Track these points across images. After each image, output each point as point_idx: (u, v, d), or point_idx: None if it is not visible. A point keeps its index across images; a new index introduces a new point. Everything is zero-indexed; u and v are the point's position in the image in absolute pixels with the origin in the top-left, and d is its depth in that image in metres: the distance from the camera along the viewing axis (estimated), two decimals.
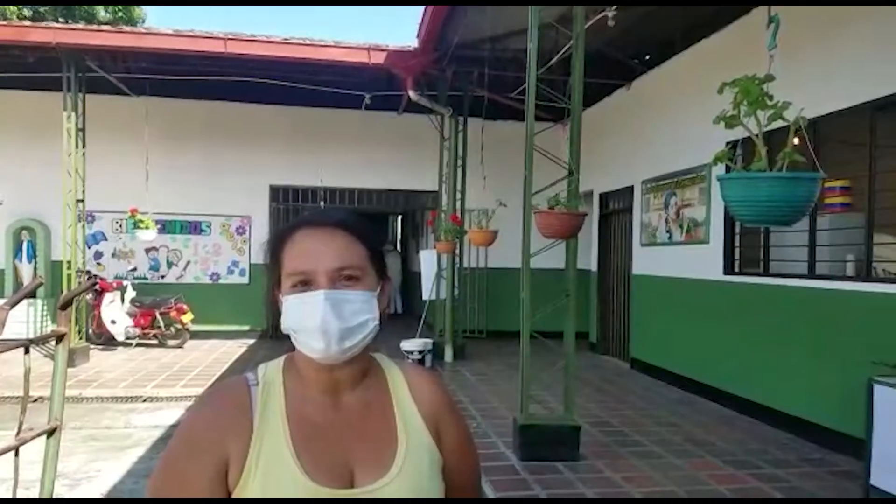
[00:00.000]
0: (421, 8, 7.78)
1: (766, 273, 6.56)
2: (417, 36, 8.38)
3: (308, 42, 9.03)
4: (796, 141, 2.51)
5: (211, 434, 1.13)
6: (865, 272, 5.36)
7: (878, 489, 4.23)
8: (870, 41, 5.29)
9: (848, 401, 5.11)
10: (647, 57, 8.88)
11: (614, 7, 6.31)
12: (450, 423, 1.28)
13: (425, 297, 10.31)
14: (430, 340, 9.20)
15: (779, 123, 2.50)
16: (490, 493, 4.54)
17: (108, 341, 10.29)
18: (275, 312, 1.23)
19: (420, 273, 10.90)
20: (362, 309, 1.15)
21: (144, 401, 7.53)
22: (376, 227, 1.30)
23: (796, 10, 5.71)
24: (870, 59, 5.27)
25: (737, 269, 7.07)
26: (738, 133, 2.65)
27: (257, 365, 1.26)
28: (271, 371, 1.23)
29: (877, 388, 4.27)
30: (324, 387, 1.20)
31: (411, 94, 9.12)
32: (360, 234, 1.20)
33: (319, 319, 1.11)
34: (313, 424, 1.17)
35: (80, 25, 10.48)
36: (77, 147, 9.07)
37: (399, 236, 19.55)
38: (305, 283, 1.14)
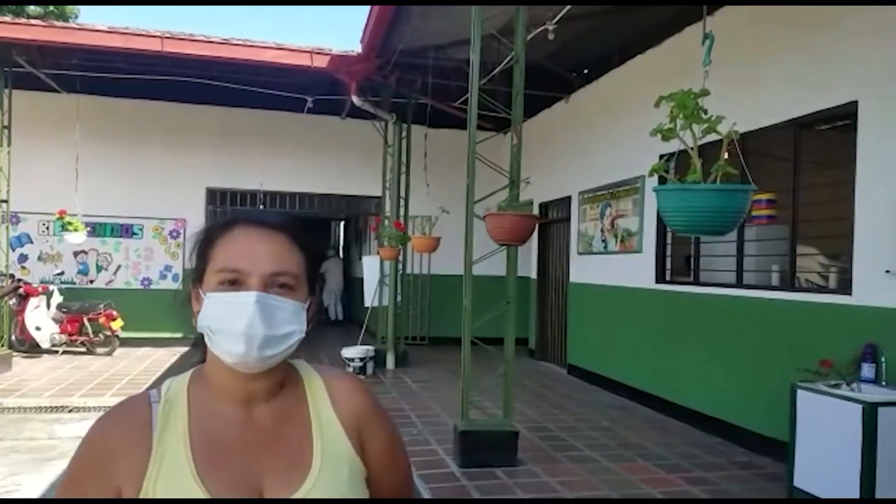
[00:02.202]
0: (365, 14, 7.76)
1: (696, 282, 6.79)
2: (361, 41, 8.36)
3: (248, 43, 8.90)
4: (726, 155, 2.62)
5: (104, 455, 1.08)
6: (789, 282, 5.61)
7: (801, 490, 4.42)
8: (796, 61, 5.55)
9: (773, 405, 5.33)
10: (586, 71, 9.10)
11: (555, 21, 6.45)
12: (374, 429, 1.22)
13: (367, 303, 10.26)
14: (371, 347, 9.15)
15: (711, 137, 2.62)
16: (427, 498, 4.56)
17: (33, 348, 9.83)
18: (188, 311, 1.16)
19: (362, 279, 10.84)
20: (291, 319, 1.09)
21: (71, 411, 7.23)
22: (316, 238, 1.24)
23: (728, 29, 5.94)
24: (796, 78, 5.53)
25: (668, 278, 7.30)
26: (671, 146, 2.75)
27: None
28: (176, 386, 1.16)
29: (799, 394, 4.47)
30: (236, 398, 1.13)
31: (355, 99, 9.09)
32: (300, 242, 1.15)
33: (245, 322, 1.04)
34: (219, 441, 1.10)
35: (8, 18, 10.07)
36: (2, 145, 8.71)
37: (342, 242, 19.38)
38: (235, 283, 1.08)
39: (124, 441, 1.08)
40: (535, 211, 10.70)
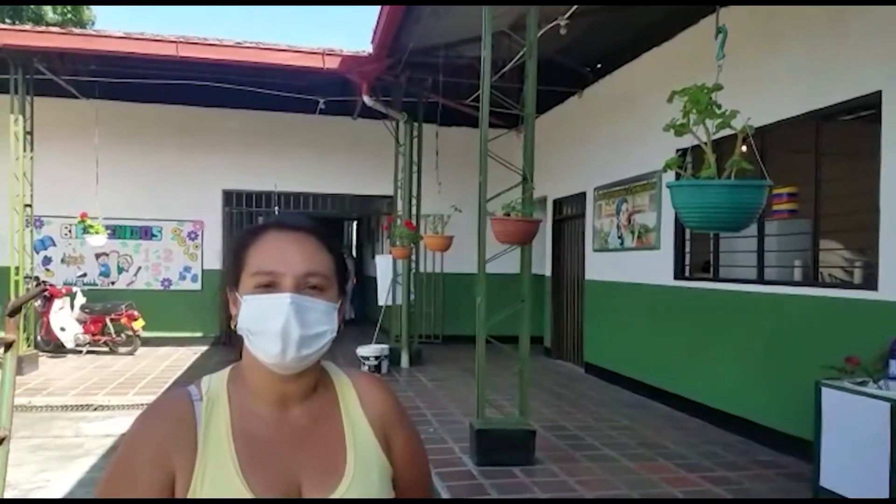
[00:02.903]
0: (375, 13, 7.75)
1: (716, 278, 6.69)
2: (372, 41, 8.35)
3: (260, 46, 8.93)
4: (744, 149, 2.57)
5: (155, 450, 1.09)
6: (812, 277, 5.51)
7: (827, 490, 4.33)
8: (815, 51, 5.45)
9: (797, 404, 5.24)
10: (599, 65, 9.01)
11: (566, 16, 6.39)
12: (399, 431, 1.26)
13: (381, 302, 10.28)
14: (386, 346, 9.18)
15: (728, 131, 2.56)
16: (445, 497, 4.54)
17: (58, 348, 10.03)
18: (225, 315, 1.20)
19: (376, 278, 10.87)
20: (323, 319, 1.13)
21: (95, 409, 7.35)
22: (339, 240, 1.26)
23: (744, 20, 5.86)
24: (816, 69, 5.42)
25: (687, 275, 7.21)
26: (687, 140, 2.70)
27: (208, 373, 1.22)
28: (215, 385, 1.19)
29: (824, 392, 4.38)
30: (272, 399, 1.17)
31: (366, 99, 9.10)
32: (329, 245, 1.19)
33: (282, 323, 1.07)
34: (259, 440, 1.13)
35: (28, 27, 10.21)
36: (25, 150, 8.86)
37: (354, 241, 19.46)
38: (269, 285, 1.11)
39: (172, 438, 1.10)
40: (549, 207, 10.67)
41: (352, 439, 1.19)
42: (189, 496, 1.07)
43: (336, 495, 1.11)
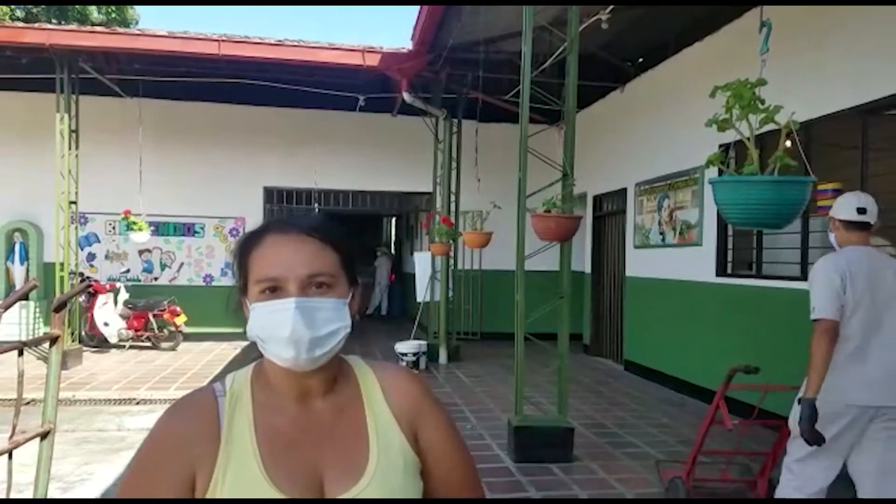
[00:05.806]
0: (415, 11, 7.78)
1: (759, 275, 6.58)
2: (412, 38, 8.38)
3: (301, 44, 9.04)
4: (787, 144, 2.52)
5: (177, 444, 1.11)
6: None
7: None
8: (862, 44, 5.32)
9: None
10: (640, 60, 8.92)
11: (608, 10, 6.33)
12: (428, 421, 1.24)
13: (419, 299, 10.32)
14: (424, 342, 9.22)
15: (771, 126, 2.52)
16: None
17: (101, 343, 10.25)
18: (241, 319, 1.20)
19: (414, 275, 10.91)
20: (333, 317, 1.12)
21: (138, 403, 7.48)
22: (349, 232, 1.25)
23: (788, 14, 5.74)
24: (862, 63, 5.30)
25: (729, 271, 7.10)
26: (730, 136, 2.66)
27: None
28: (239, 380, 1.20)
29: None
30: (293, 393, 1.17)
31: (406, 96, 9.14)
32: (331, 241, 1.16)
33: (290, 328, 1.07)
34: (282, 434, 1.14)
35: (74, 27, 10.46)
36: (70, 148, 9.04)
37: (393, 238, 19.56)
38: (274, 290, 1.11)
39: (195, 432, 1.12)
40: (589, 204, 10.59)
41: (374, 432, 1.18)
42: (211, 488, 1.08)
43: (358, 488, 1.11)
